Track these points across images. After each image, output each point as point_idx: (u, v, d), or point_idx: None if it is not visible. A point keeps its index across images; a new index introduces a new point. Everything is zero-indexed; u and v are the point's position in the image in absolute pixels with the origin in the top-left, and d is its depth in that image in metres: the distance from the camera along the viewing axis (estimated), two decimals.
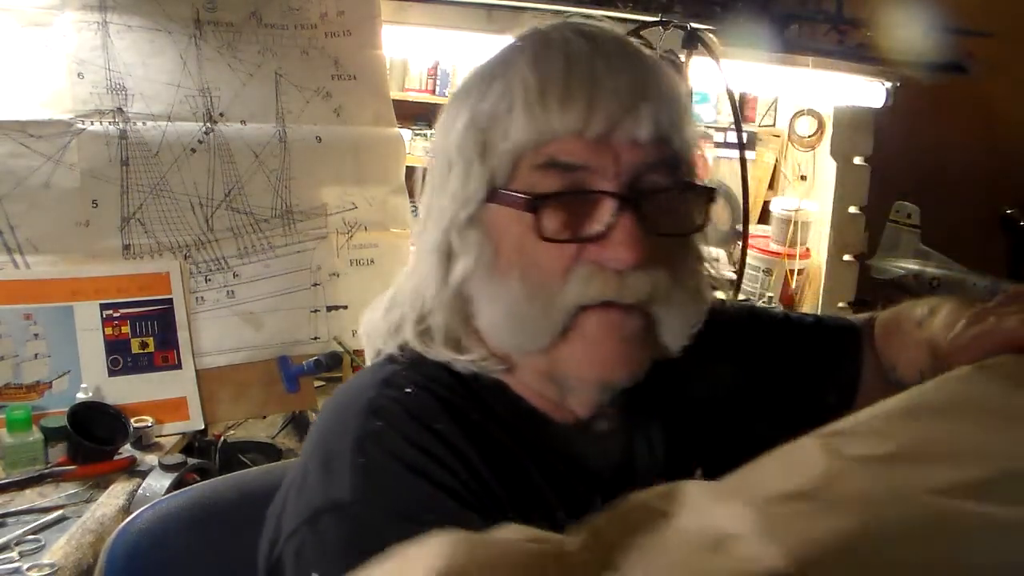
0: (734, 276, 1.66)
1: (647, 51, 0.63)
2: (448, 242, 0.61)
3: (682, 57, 1.43)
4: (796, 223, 2.00)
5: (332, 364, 1.42)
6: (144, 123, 1.33)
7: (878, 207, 2.01)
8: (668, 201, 0.59)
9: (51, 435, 1.17)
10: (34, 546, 1.00)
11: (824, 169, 2.04)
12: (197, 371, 1.35)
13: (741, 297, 1.80)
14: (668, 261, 0.58)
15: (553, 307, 0.57)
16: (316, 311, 1.45)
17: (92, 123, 1.30)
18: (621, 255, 0.56)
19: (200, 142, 1.37)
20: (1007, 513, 0.33)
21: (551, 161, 0.58)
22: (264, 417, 1.48)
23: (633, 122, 0.57)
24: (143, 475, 1.14)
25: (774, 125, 2.22)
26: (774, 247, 2.06)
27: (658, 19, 1.49)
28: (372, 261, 1.50)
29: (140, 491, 1.11)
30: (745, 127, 2.03)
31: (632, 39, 0.63)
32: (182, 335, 1.35)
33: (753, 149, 2.14)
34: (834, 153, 1.96)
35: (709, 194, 0.61)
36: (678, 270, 0.59)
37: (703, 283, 0.64)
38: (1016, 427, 0.40)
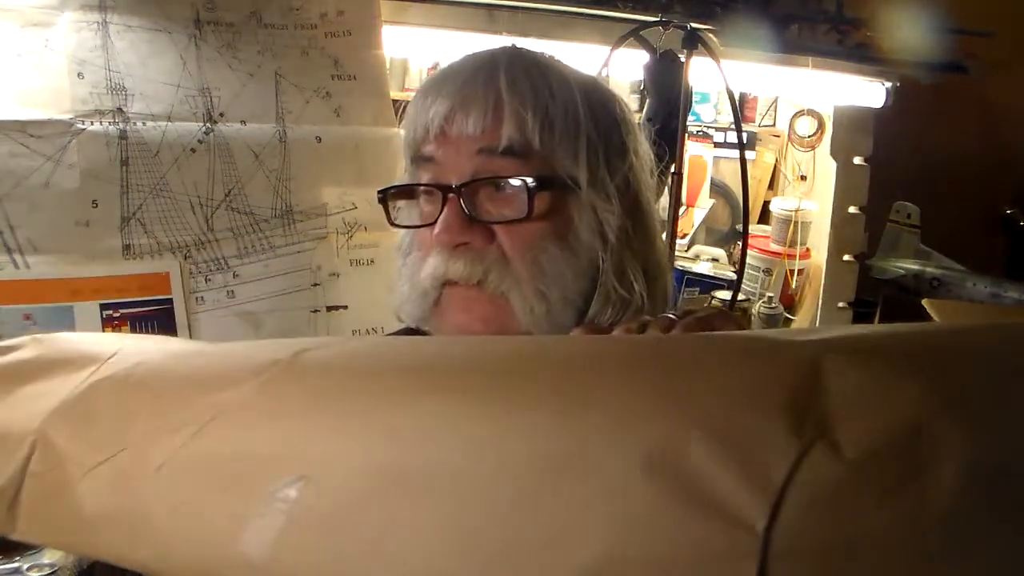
0: (734, 276, 1.66)
1: (555, 64, 0.67)
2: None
3: (682, 57, 1.43)
4: (796, 223, 2.01)
5: None
6: (144, 123, 1.33)
7: (878, 207, 2.01)
8: (499, 191, 0.65)
9: None
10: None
11: (824, 169, 2.04)
12: None
13: (741, 297, 1.80)
14: (505, 245, 0.65)
15: (416, 285, 0.68)
16: (316, 311, 1.45)
17: (92, 123, 1.30)
18: (438, 239, 0.65)
19: (200, 142, 1.37)
20: None
21: (418, 155, 0.68)
22: None
23: (463, 116, 0.63)
24: None
25: (774, 125, 2.22)
26: (774, 247, 2.06)
27: (658, 19, 1.49)
28: (372, 261, 1.50)
29: None
30: (745, 127, 2.03)
31: (552, 57, 0.69)
32: (182, 335, 1.34)
33: (753, 149, 2.14)
34: (834, 153, 1.96)
35: (541, 184, 0.64)
36: (517, 254, 0.65)
37: (554, 267, 0.65)
38: None
